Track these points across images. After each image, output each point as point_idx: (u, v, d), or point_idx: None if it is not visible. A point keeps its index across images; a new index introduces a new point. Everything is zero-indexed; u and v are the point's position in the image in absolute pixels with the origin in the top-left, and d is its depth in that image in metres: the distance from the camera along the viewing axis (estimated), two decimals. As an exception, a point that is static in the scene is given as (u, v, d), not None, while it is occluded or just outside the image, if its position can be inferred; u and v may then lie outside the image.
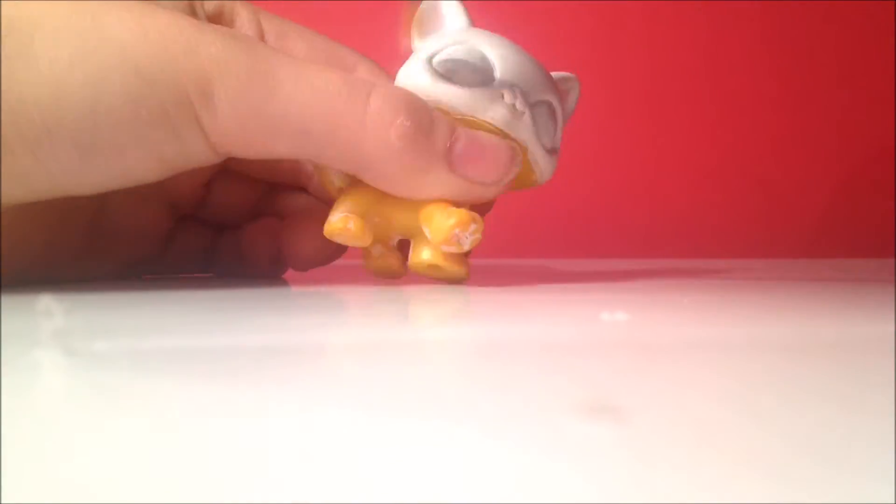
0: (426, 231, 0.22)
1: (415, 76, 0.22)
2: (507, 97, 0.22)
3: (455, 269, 0.23)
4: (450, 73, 0.22)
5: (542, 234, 0.57)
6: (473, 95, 0.21)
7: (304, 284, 0.26)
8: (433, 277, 0.24)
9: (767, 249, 0.59)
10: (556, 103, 0.23)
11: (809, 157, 0.61)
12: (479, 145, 0.21)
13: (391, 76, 0.23)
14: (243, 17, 0.24)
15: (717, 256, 0.57)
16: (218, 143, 0.19)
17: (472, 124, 0.22)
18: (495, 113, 0.22)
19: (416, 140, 0.20)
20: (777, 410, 0.08)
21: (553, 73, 0.24)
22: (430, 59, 0.22)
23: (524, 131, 0.22)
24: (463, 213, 0.21)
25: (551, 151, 0.23)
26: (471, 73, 0.22)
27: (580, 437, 0.07)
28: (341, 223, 0.22)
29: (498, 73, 0.22)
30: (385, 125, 0.20)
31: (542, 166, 0.23)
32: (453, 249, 0.22)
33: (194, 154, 0.20)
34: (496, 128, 0.22)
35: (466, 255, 0.24)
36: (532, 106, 0.22)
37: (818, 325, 0.16)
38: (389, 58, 0.25)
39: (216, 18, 0.24)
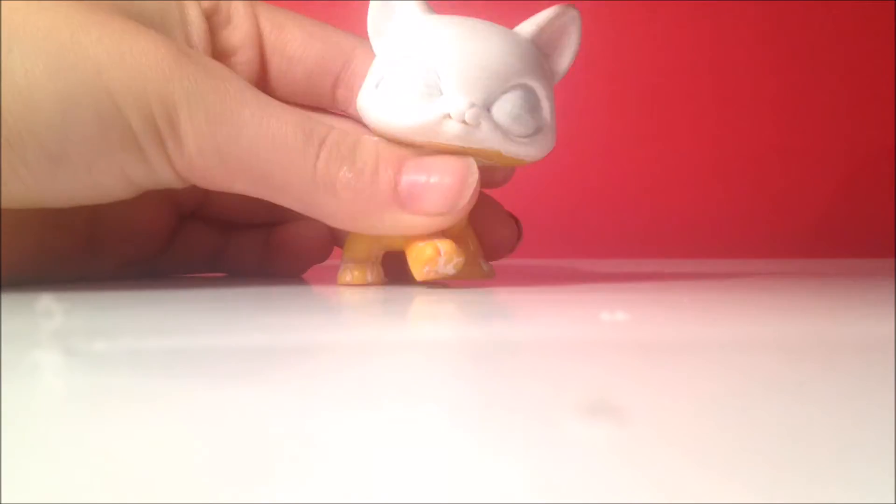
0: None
1: (366, 108, 0.22)
2: (455, 114, 0.20)
3: (469, 273, 0.23)
4: (396, 101, 0.21)
5: (542, 234, 0.57)
6: (421, 123, 0.20)
7: (305, 284, 0.26)
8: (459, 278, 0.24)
9: (767, 249, 0.59)
10: (533, 81, 0.21)
11: (809, 157, 0.61)
12: (425, 178, 0.21)
13: None
14: (240, 12, 0.24)
15: (717, 256, 0.57)
16: (182, 171, 0.20)
17: (431, 148, 0.21)
18: (447, 134, 0.20)
19: (359, 190, 0.21)
20: (777, 410, 0.08)
21: (542, 13, 0.22)
22: (377, 85, 0.22)
23: (486, 140, 0.21)
24: (428, 249, 0.21)
25: (537, 132, 0.22)
26: (418, 96, 0.21)
27: (580, 437, 0.07)
28: (345, 277, 0.24)
29: (446, 85, 0.21)
30: (331, 178, 0.20)
31: (529, 151, 0.22)
32: (440, 277, 0.22)
33: (161, 178, 0.20)
34: (456, 146, 0.21)
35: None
36: (497, 101, 0.21)
37: (818, 325, 0.16)
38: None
39: (213, 15, 0.24)
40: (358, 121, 0.25)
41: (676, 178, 0.61)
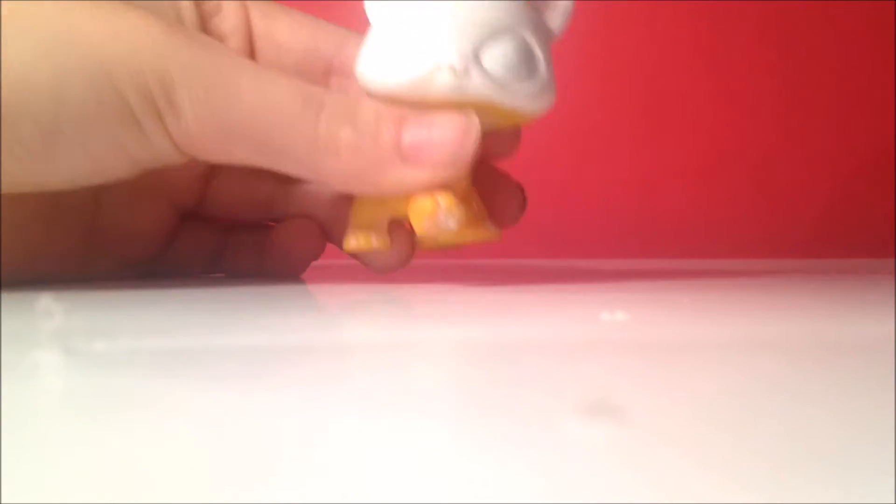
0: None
1: (362, 72, 0.22)
2: (444, 64, 0.20)
3: (474, 234, 0.23)
4: (391, 57, 0.21)
5: (542, 234, 0.57)
6: (413, 78, 0.21)
7: (305, 284, 0.26)
8: (463, 244, 0.24)
9: (767, 249, 0.59)
10: (525, 29, 0.21)
11: (809, 157, 0.61)
12: (427, 132, 0.21)
13: None
14: (230, 1, 0.24)
15: (717, 256, 0.57)
16: (182, 144, 0.20)
17: (427, 104, 0.21)
18: (438, 87, 0.20)
19: (361, 148, 0.21)
20: (777, 410, 0.08)
21: None
22: (370, 48, 0.22)
23: (479, 89, 0.21)
24: (427, 202, 0.21)
25: (533, 83, 0.21)
26: (411, 51, 0.21)
27: (580, 437, 0.07)
28: (350, 243, 0.23)
29: (436, 35, 0.21)
30: (333, 139, 0.20)
31: (527, 103, 0.21)
32: (442, 232, 0.21)
33: (160, 152, 0.20)
34: (449, 100, 0.21)
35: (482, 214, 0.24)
36: (487, 49, 0.21)
37: (818, 325, 0.16)
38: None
39: (204, 2, 0.24)
40: None
41: (676, 178, 0.61)
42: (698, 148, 0.61)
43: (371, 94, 0.22)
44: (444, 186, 0.21)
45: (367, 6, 0.23)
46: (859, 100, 0.61)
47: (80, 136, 0.19)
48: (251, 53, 0.25)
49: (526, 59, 0.21)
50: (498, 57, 0.21)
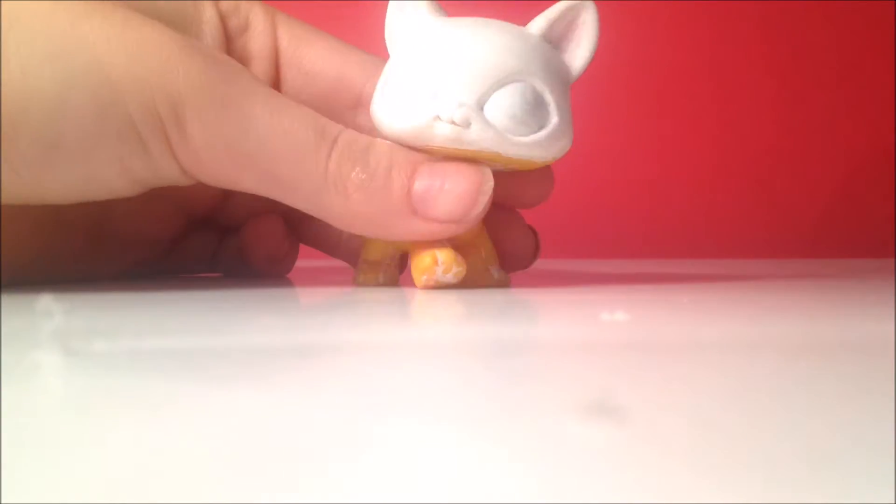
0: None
1: (374, 112, 0.22)
2: (444, 115, 0.20)
3: (477, 282, 0.23)
4: (398, 103, 0.21)
5: (542, 234, 0.57)
6: (414, 126, 0.20)
7: (304, 285, 0.26)
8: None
9: (767, 249, 0.59)
10: (534, 78, 0.21)
11: (809, 157, 0.61)
12: (439, 184, 0.20)
13: None
14: (259, 18, 0.24)
15: (717, 256, 0.57)
16: (188, 167, 0.19)
17: (432, 150, 0.21)
18: (439, 136, 0.20)
19: (371, 192, 0.20)
20: (777, 410, 0.08)
21: (553, 7, 0.22)
22: (382, 91, 0.21)
23: (480, 141, 0.20)
24: (426, 258, 0.21)
25: (541, 131, 0.21)
26: (414, 99, 0.20)
27: (580, 437, 0.07)
28: (358, 278, 0.24)
29: (439, 87, 0.20)
30: (343, 178, 0.20)
31: (533, 152, 0.21)
32: (441, 286, 0.22)
33: (164, 173, 0.19)
34: (451, 149, 0.20)
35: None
36: (492, 99, 0.20)
37: (818, 325, 0.16)
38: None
39: (231, 18, 0.23)
40: None
41: (676, 178, 0.61)
42: (700, 148, 0.61)
43: (384, 136, 0.22)
44: (454, 235, 0.21)
45: (388, 44, 0.23)
46: (859, 100, 0.61)
47: (80, 150, 0.18)
48: (276, 80, 0.24)
49: (533, 108, 0.21)
50: (502, 107, 0.20)
